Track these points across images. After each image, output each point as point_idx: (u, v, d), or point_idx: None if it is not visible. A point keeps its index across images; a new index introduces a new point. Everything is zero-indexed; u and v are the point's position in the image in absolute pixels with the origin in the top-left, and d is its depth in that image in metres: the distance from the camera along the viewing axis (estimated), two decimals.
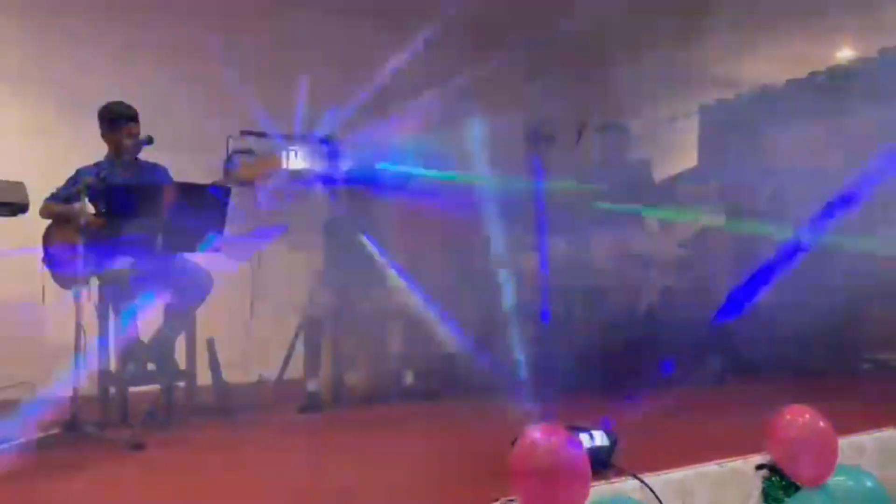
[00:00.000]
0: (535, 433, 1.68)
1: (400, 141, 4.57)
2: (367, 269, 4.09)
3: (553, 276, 4.19)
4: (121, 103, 3.46)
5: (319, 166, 4.74)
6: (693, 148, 6.32)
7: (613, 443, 2.10)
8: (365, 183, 4.25)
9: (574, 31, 5.21)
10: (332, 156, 4.64)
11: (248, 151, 4.69)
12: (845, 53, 5.70)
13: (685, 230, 4.44)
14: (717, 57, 6.36)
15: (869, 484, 2.28)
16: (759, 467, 2.22)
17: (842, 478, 2.20)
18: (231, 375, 3.83)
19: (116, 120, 3.44)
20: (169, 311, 3.53)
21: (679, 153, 6.05)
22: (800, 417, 2.20)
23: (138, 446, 2.75)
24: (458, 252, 4.22)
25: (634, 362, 3.85)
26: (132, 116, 3.44)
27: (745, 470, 2.20)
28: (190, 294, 3.47)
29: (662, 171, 5.48)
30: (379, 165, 4.47)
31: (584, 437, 2.06)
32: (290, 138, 4.76)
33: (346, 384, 3.97)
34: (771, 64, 5.90)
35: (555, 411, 2.57)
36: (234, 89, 4.35)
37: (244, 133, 4.78)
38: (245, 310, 3.98)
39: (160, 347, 3.41)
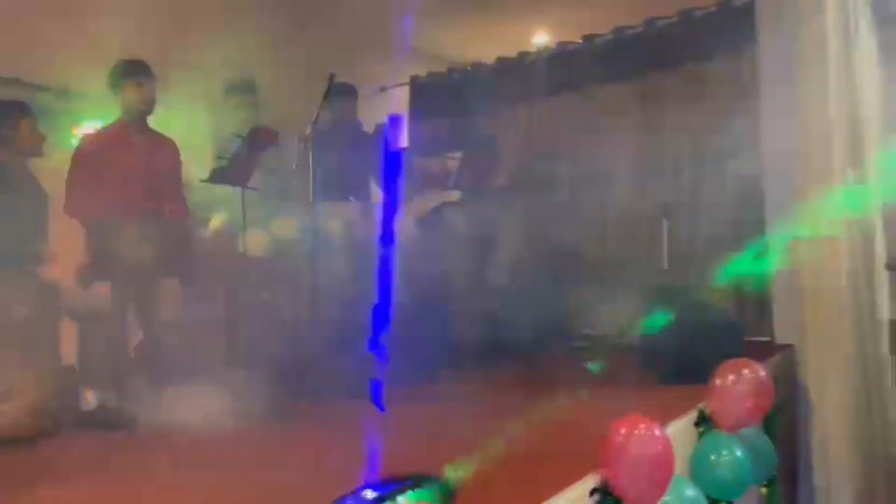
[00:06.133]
0: None
1: None
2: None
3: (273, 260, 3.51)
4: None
5: None
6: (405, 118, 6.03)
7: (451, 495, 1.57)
8: None
9: None
10: None
11: None
12: (542, 39, 5.85)
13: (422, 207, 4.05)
14: (427, 28, 6.15)
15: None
16: (593, 492, 1.88)
17: (672, 497, 1.97)
18: None
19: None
20: None
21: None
22: (635, 429, 1.91)
23: None
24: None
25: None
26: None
27: (581, 498, 1.83)
28: None
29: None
30: None
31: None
32: None
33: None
34: (481, 41, 5.84)
35: None
36: None
37: None
38: None
39: None
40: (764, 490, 2.80)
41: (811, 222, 3.19)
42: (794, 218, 3.27)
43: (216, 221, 3.45)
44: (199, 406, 2.63)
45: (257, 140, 3.22)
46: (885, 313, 3.37)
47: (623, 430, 1.88)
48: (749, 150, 3.72)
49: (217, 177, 3.22)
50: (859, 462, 3.18)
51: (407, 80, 6.10)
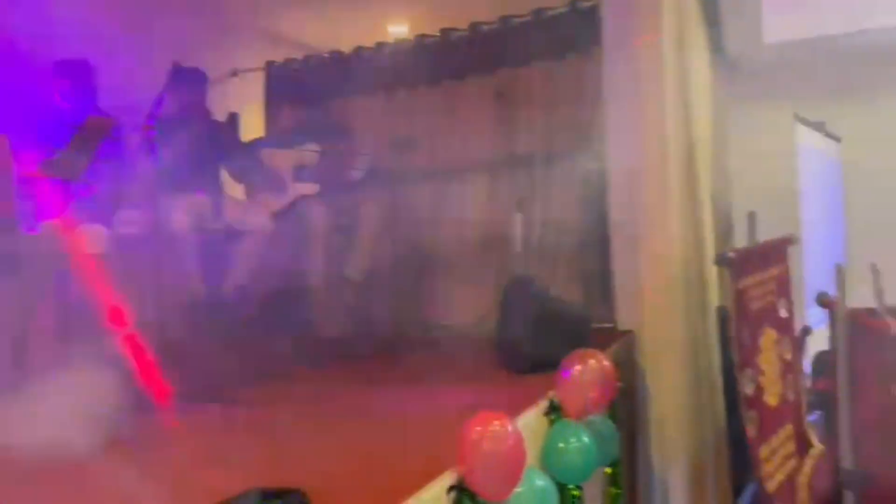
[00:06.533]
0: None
1: None
2: None
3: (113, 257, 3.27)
4: None
5: None
6: (260, 107, 5.81)
7: None
8: None
9: None
10: None
11: None
12: (401, 31, 5.81)
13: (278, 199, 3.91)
14: (285, 13, 5.91)
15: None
16: (450, 490, 1.91)
17: (525, 488, 2.03)
18: None
19: None
20: None
21: (247, 112, 5.46)
22: (488, 426, 1.95)
23: None
24: None
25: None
26: None
27: (439, 496, 1.85)
28: None
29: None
30: None
31: None
32: None
33: None
34: (341, 29, 5.71)
35: None
36: None
37: None
38: None
39: None
40: (608, 470, 2.97)
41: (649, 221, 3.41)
42: (636, 216, 3.48)
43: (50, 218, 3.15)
44: (21, 420, 2.40)
45: (91, 130, 2.97)
46: (713, 302, 3.67)
47: (477, 428, 1.92)
48: (596, 147, 3.90)
49: (47, 169, 2.94)
50: (691, 438, 3.46)
51: (262, 65, 5.88)
